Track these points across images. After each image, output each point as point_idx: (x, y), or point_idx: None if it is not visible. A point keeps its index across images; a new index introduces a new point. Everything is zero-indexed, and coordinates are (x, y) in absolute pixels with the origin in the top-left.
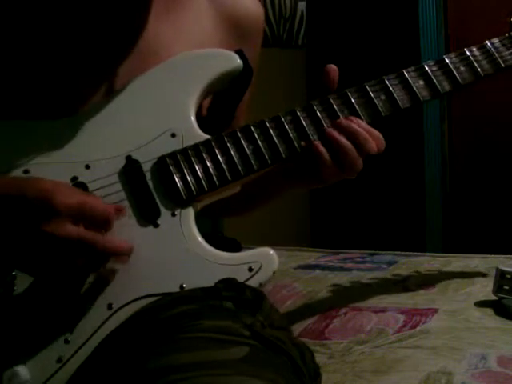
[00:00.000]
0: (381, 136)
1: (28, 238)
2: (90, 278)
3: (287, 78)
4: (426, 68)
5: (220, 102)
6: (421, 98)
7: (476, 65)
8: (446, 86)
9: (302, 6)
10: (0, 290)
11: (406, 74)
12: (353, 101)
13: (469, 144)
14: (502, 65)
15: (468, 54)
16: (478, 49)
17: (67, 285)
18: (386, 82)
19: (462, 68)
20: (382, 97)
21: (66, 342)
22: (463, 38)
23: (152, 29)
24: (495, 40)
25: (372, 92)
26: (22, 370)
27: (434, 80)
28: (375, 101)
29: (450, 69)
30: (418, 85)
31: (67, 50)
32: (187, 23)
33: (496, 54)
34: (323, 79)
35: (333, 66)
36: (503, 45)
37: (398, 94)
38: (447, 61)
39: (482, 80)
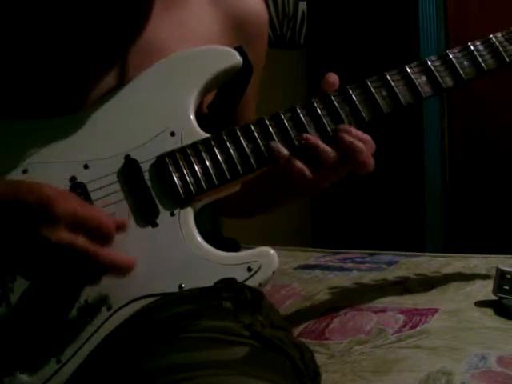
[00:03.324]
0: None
1: (24, 240)
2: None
3: (287, 78)
4: (429, 63)
5: (220, 99)
6: (423, 94)
7: (480, 59)
8: (449, 82)
9: (302, 5)
10: None
11: (408, 69)
12: (354, 97)
13: (469, 142)
14: (507, 59)
15: (472, 48)
16: (482, 43)
17: (64, 290)
18: (388, 77)
19: (466, 63)
20: (384, 93)
21: None
22: (463, 37)
23: (153, 27)
24: (499, 34)
25: (373, 88)
26: (22, 371)
27: (437, 75)
28: (376, 97)
29: (454, 64)
30: (421, 80)
31: (66, 48)
32: (189, 22)
33: (500, 49)
34: (323, 88)
35: (333, 75)
36: (507, 39)
37: (400, 90)
38: (450, 56)
39: (485, 75)
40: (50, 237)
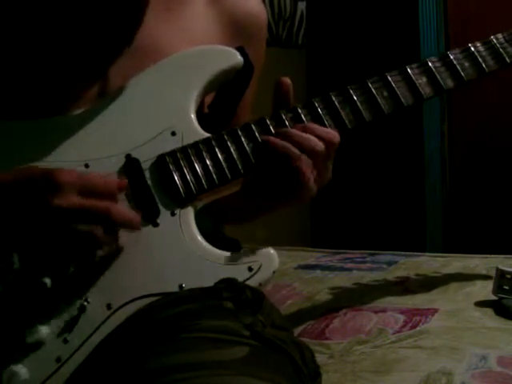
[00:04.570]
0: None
1: (38, 216)
2: (90, 275)
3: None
4: (430, 64)
5: (221, 99)
6: (424, 95)
7: (480, 60)
8: (450, 83)
9: (301, 5)
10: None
11: (409, 70)
12: (355, 98)
13: (469, 144)
14: (508, 60)
15: (472, 49)
16: (483, 44)
17: (80, 264)
18: (389, 78)
19: (467, 64)
20: (385, 93)
21: (65, 341)
22: (463, 37)
23: (151, 28)
24: (500, 35)
25: (374, 89)
26: (21, 370)
27: (438, 77)
28: (377, 98)
29: (454, 65)
30: (422, 81)
31: (61, 48)
32: (187, 22)
33: (501, 50)
34: (276, 93)
35: (285, 80)
36: (507, 40)
37: (401, 91)
38: (451, 57)
39: (485, 76)
40: (61, 204)
